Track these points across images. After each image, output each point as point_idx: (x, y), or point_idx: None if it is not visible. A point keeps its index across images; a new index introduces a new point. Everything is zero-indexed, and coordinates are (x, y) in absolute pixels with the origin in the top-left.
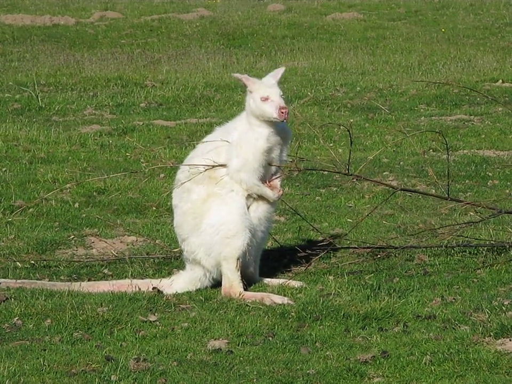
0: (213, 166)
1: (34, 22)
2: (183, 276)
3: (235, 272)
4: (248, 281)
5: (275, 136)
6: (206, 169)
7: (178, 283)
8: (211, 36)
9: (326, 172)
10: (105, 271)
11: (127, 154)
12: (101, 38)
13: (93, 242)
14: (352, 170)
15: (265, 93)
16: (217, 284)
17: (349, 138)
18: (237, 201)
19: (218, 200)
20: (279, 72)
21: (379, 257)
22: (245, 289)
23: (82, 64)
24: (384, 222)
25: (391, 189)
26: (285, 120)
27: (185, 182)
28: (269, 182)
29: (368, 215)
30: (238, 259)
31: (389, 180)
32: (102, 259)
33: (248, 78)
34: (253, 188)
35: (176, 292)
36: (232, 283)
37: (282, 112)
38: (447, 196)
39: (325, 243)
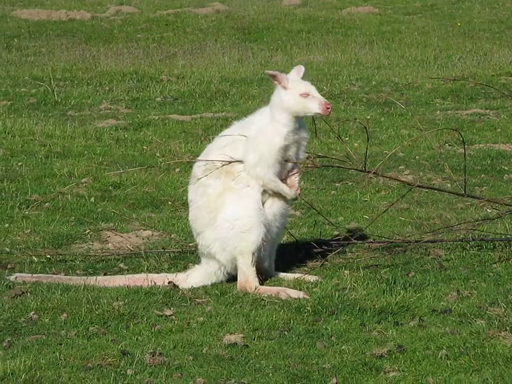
0: (230, 162)
1: (50, 17)
2: (198, 270)
3: (250, 266)
4: (263, 276)
5: (293, 135)
6: (223, 165)
7: (193, 277)
8: (226, 30)
9: (349, 171)
10: (121, 265)
11: (144, 147)
12: (117, 32)
13: (109, 236)
14: (369, 165)
15: (306, 90)
16: (232, 278)
17: (366, 134)
18: (252, 196)
19: (234, 195)
20: (301, 70)
21: (395, 252)
22: (261, 284)
23: (98, 58)
24: (400, 216)
25: (407, 185)
26: (328, 115)
27: (201, 177)
28: (287, 179)
29: (384, 211)
30: (253, 254)
31: (404, 175)
32: (117, 253)
33: (283, 75)
34: (269, 184)
35: (192, 287)
36: (248, 277)
37: (327, 108)
38: (463, 192)
39: (340, 237)
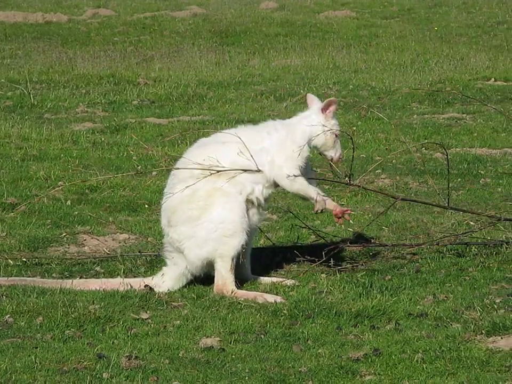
0: (218, 171)
1: (27, 19)
2: (169, 274)
3: (229, 270)
4: (240, 280)
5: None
6: (211, 174)
7: (167, 281)
8: (204, 34)
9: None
10: (97, 268)
11: (131, 151)
12: (94, 35)
13: (85, 240)
14: (345, 169)
15: (339, 132)
16: (200, 280)
17: (352, 144)
18: (240, 202)
19: (223, 198)
20: (335, 103)
21: (371, 255)
22: (238, 288)
23: (75, 61)
24: (377, 221)
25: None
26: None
27: (196, 181)
28: None
29: (368, 225)
30: (233, 258)
31: (381, 179)
32: (94, 257)
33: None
34: (295, 184)
35: (168, 290)
36: (226, 281)
37: (340, 159)
38: (447, 205)
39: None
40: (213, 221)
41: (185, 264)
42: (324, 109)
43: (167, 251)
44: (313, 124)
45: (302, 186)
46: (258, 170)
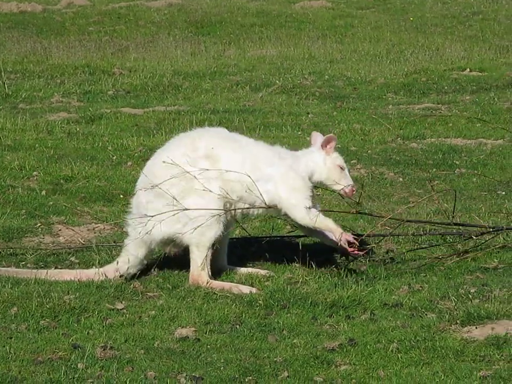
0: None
1: (1, 9)
2: (123, 258)
3: (204, 260)
4: (217, 270)
5: None
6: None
7: (126, 264)
8: (179, 24)
9: None
10: (72, 259)
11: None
12: (69, 25)
13: (60, 230)
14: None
15: (343, 165)
16: (175, 270)
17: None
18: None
19: (199, 192)
20: (335, 140)
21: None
22: (213, 279)
23: (50, 51)
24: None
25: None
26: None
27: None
28: None
29: (365, 235)
30: (208, 248)
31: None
32: (69, 247)
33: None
34: (313, 218)
35: (129, 274)
36: (201, 271)
37: (353, 191)
38: (450, 221)
39: (293, 232)
40: (192, 207)
41: (146, 246)
42: (323, 145)
43: (131, 230)
44: (315, 160)
45: (321, 221)
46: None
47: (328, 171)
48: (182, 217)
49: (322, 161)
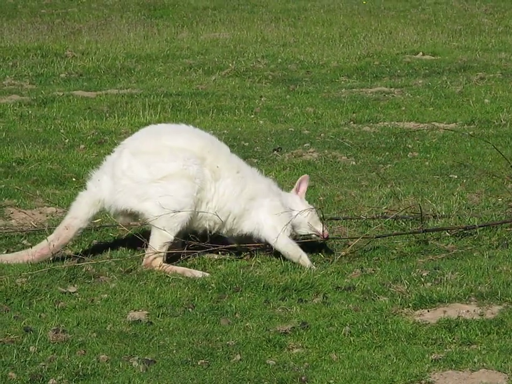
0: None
1: None
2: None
3: (164, 245)
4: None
5: None
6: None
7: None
8: (132, 6)
9: (254, 148)
10: (24, 242)
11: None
12: (21, 7)
13: (12, 213)
14: (274, 143)
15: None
16: (126, 252)
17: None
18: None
19: (184, 180)
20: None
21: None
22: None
23: (1, 33)
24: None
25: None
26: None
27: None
28: None
29: (358, 240)
30: (170, 238)
31: (309, 152)
32: (21, 230)
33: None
34: (287, 246)
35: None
36: (157, 255)
37: (325, 237)
38: (421, 228)
39: None
40: (166, 193)
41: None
42: (296, 190)
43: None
44: (292, 207)
45: (294, 251)
46: None
47: (303, 217)
48: (157, 198)
49: (296, 210)
